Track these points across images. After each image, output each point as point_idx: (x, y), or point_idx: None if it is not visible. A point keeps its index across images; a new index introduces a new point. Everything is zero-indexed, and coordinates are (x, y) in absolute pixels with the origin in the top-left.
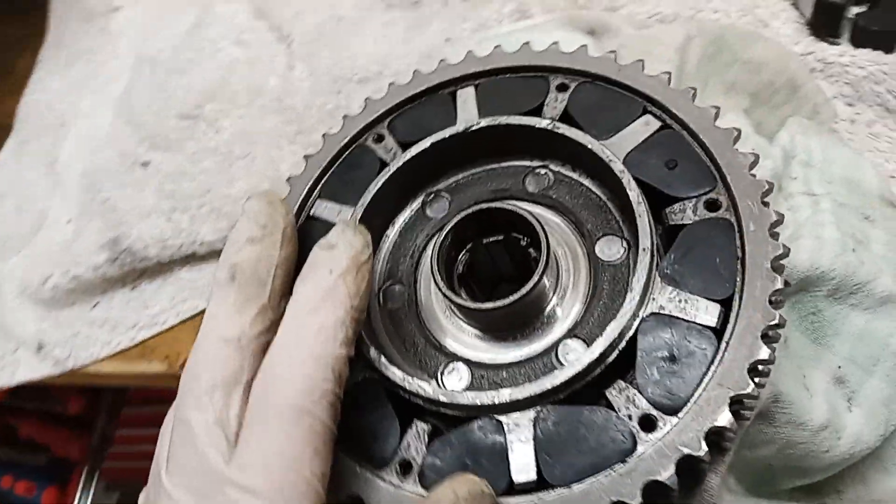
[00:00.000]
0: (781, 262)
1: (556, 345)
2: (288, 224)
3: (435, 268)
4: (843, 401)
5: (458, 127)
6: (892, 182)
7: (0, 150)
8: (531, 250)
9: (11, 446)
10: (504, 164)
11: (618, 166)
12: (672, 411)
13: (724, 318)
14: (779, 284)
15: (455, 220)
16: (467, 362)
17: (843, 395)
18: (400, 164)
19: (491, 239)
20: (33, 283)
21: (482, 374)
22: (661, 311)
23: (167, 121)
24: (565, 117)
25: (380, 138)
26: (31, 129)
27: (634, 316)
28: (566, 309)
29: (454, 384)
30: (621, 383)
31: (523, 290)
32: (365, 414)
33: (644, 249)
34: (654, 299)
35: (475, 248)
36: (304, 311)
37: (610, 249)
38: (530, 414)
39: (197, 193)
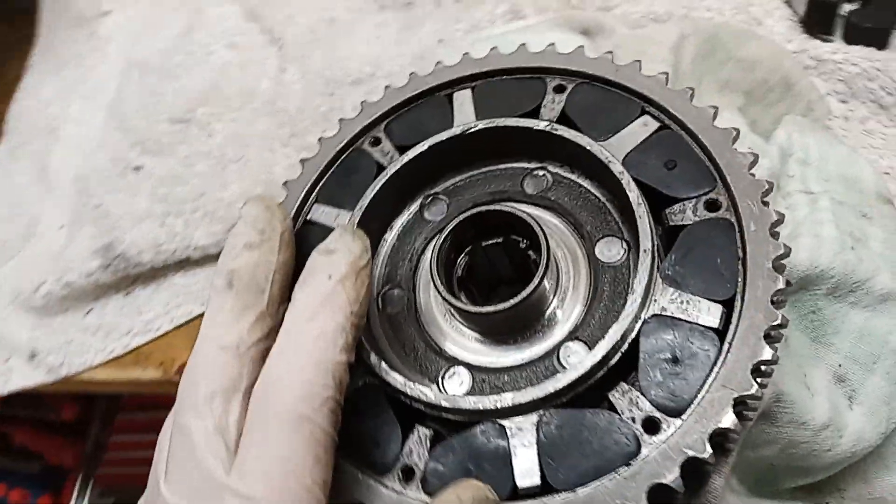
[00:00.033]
0: (782, 261)
1: (557, 347)
2: (286, 229)
3: (434, 271)
4: (844, 399)
5: (456, 129)
6: (887, 179)
7: None
8: (531, 253)
9: (5, 455)
10: (502, 167)
11: (617, 167)
12: (675, 413)
13: (727, 319)
14: (780, 284)
15: (454, 223)
16: (468, 366)
17: (843, 393)
18: (397, 167)
19: (490, 242)
20: (26, 291)
21: (483, 378)
22: (663, 313)
23: (159, 125)
24: (563, 119)
25: (376, 141)
26: (21, 135)
27: (636, 318)
28: (567, 311)
29: (455, 389)
30: (624, 386)
31: (524, 293)
32: (366, 420)
33: (645, 251)
34: (655, 301)
35: (474, 251)
36: (304, 317)
37: (610, 251)
38: (533, 418)
39: (190, 197)
